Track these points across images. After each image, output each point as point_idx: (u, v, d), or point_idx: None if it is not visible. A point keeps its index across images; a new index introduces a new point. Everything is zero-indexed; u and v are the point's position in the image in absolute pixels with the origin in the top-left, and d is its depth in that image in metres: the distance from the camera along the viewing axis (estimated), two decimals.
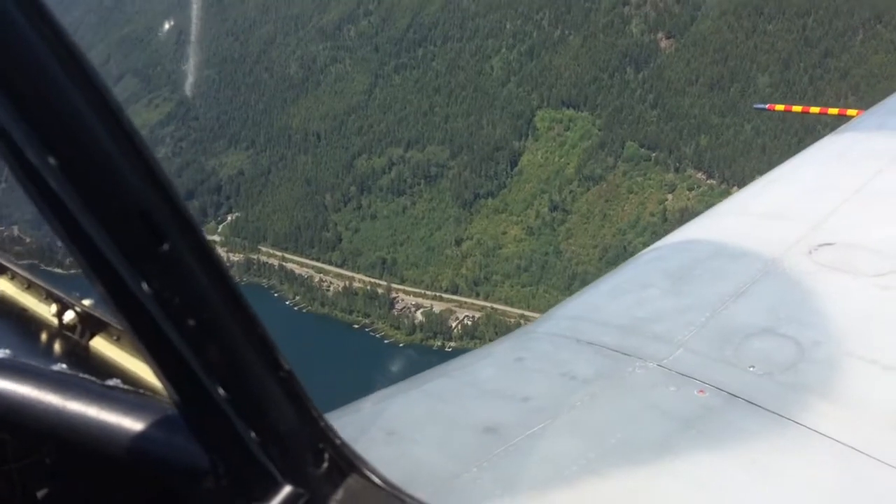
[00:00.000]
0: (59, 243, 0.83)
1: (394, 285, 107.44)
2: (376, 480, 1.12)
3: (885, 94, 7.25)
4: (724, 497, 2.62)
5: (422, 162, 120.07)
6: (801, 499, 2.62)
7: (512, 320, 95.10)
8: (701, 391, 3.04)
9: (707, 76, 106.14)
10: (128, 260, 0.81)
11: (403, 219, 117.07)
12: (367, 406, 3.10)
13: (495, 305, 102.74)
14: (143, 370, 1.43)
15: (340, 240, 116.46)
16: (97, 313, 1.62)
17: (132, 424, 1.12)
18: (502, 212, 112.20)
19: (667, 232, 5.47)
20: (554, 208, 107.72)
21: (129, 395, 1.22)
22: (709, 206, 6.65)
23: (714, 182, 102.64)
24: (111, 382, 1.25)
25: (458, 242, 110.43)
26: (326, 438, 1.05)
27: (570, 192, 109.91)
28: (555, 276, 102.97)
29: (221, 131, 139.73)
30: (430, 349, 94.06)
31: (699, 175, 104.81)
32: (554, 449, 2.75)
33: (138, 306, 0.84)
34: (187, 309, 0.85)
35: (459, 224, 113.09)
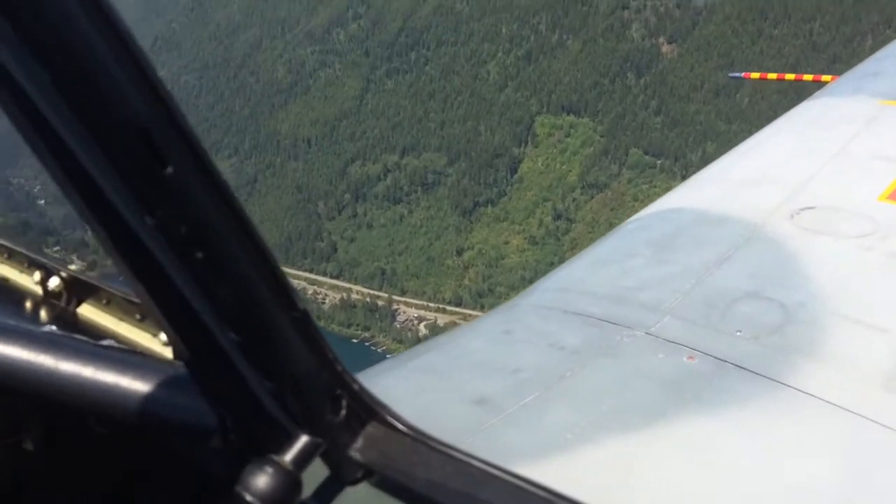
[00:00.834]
0: (50, 177, 0.76)
1: (394, 297, 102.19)
2: (399, 426, 1.06)
3: None
4: (717, 460, 2.65)
5: (418, 169, 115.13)
6: (793, 459, 2.66)
7: None
8: (690, 357, 3.03)
9: (712, 82, 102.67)
10: (128, 186, 0.74)
11: (401, 227, 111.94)
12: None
13: None
14: (136, 334, 1.34)
15: (335, 250, 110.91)
16: (84, 277, 1.52)
17: (130, 384, 1.05)
18: (503, 220, 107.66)
19: None
20: (557, 217, 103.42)
21: (125, 354, 1.15)
22: None
23: None
24: (105, 342, 1.18)
25: (459, 252, 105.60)
26: (344, 384, 0.98)
27: (574, 200, 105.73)
28: None
29: (202, 138, 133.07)
30: None
31: None
32: (547, 418, 2.75)
33: (139, 242, 0.77)
34: (194, 240, 0.77)
35: (460, 233, 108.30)
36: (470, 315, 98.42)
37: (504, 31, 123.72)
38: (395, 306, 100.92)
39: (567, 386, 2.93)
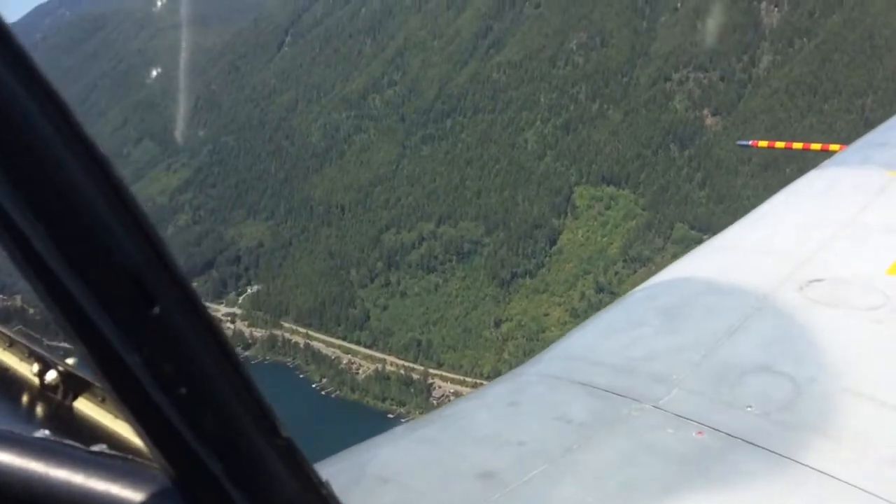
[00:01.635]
0: (43, 306, 0.79)
1: (430, 370, 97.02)
2: None
3: None
4: None
5: (454, 238, 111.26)
6: None
7: None
8: (699, 433, 2.98)
9: (760, 155, 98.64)
10: (117, 325, 0.76)
11: (436, 297, 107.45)
12: (360, 454, 3.03)
13: None
14: (129, 432, 1.34)
15: (368, 317, 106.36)
16: (81, 373, 1.53)
17: (120, 493, 1.04)
18: (543, 292, 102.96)
19: None
20: (600, 290, 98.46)
21: (116, 461, 1.14)
22: None
23: None
24: (97, 448, 1.17)
25: (498, 324, 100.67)
26: None
27: (616, 273, 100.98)
28: None
29: (240, 200, 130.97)
30: None
31: None
32: (552, 494, 2.71)
33: (127, 373, 0.79)
34: (179, 376, 0.79)
35: (497, 304, 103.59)
36: None
37: (542, 99, 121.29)
38: (430, 380, 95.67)
39: (573, 460, 2.85)
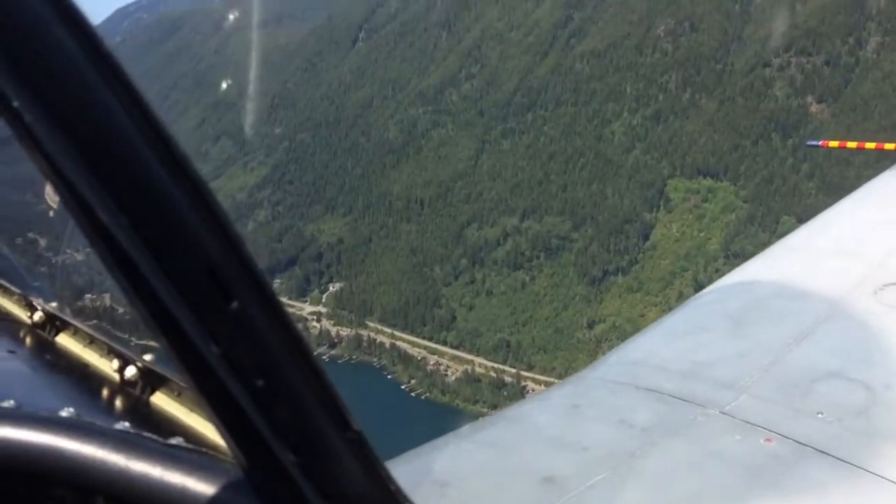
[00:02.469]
0: (127, 301, 0.81)
1: (522, 372, 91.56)
2: None
3: None
4: None
5: (540, 233, 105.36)
6: None
7: None
8: (768, 440, 2.86)
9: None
10: (196, 318, 0.78)
11: (523, 295, 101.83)
12: (420, 457, 2.95)
13: None
14: (204, 427, 1.37)
15: (454, 318, 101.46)
16: (158, 368, 1.55)
17: (195, 486, 1.06)
18: (636, 291, 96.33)
19: None
20: (700, 288, 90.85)
21: (192, 454, 1.17)
22: None
23: None
24: (174, 441, 1.20)
25: (591, 325, 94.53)
26: (396, 503, 0.96)
27: (717, 270, 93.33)
28: None
29: (318, 196, 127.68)
30: None
31: None
32: (616, 500, 2.62)
33: (205, 366, 0.81)
34: (256, 369, 0.81)
35: (589, 303, 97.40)
36: None
37: (629, 90, 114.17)
38: (523, 382, 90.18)
39: (637, 466, 2.74)
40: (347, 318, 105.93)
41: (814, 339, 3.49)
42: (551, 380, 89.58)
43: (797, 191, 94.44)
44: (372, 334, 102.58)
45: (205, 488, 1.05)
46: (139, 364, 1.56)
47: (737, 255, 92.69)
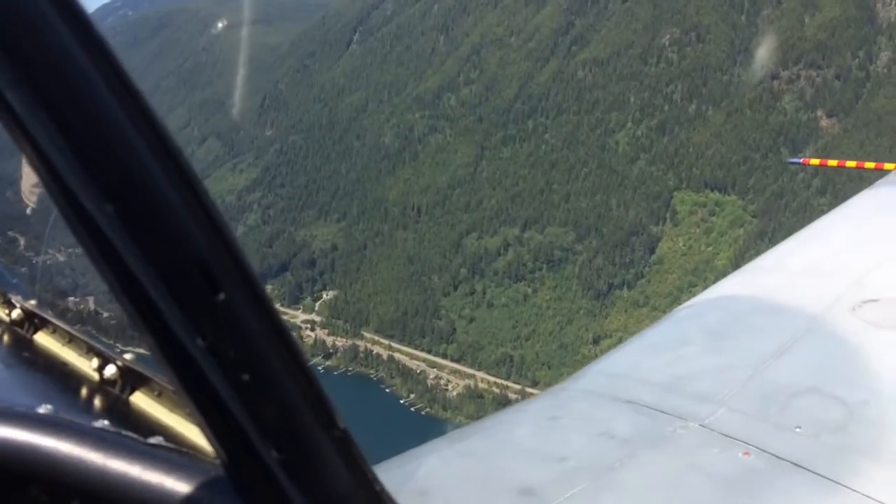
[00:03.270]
0: (108, 291, 0.78)
1: (527, 388, 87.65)
2: None
3: None
4: None
5: (543, 244, 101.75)
6: None
7: None
8: (746, 453, 2.86)
9: (890, 159, 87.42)
10: (182, 311, 0.75)
11: (525, 308, 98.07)
12: (399, 465, 2.93)
13: None
14: (185, 427, 1.33)
15: (454, 330, 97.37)
16: (139, 368, 1.51)
17: (175, 485, 1.03)
18: (643, 305, 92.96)
19: None
20: None
21: (173, 453, 1.14)
22: None
23: None
24: (154, 440, 1.17)
25: (596, 340, 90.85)
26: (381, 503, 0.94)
27: None
28: None
29: (310, 200, 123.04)
30: None
31: None
32: None
33: (189, 361, 0.78)
34: (242, 363, 0.78)
35: (594, 318, 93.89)
36: None
37: (633, 99, 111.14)
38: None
39: (616, 478, 2.72)
40: (342, 327, 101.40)
41: (792, 354, 3.47)
42: None
43: (808, 206, 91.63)
44: (368, 345, 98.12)
45: (185, 488, 1.03)
46: (119, 363, 1.52)
47: None
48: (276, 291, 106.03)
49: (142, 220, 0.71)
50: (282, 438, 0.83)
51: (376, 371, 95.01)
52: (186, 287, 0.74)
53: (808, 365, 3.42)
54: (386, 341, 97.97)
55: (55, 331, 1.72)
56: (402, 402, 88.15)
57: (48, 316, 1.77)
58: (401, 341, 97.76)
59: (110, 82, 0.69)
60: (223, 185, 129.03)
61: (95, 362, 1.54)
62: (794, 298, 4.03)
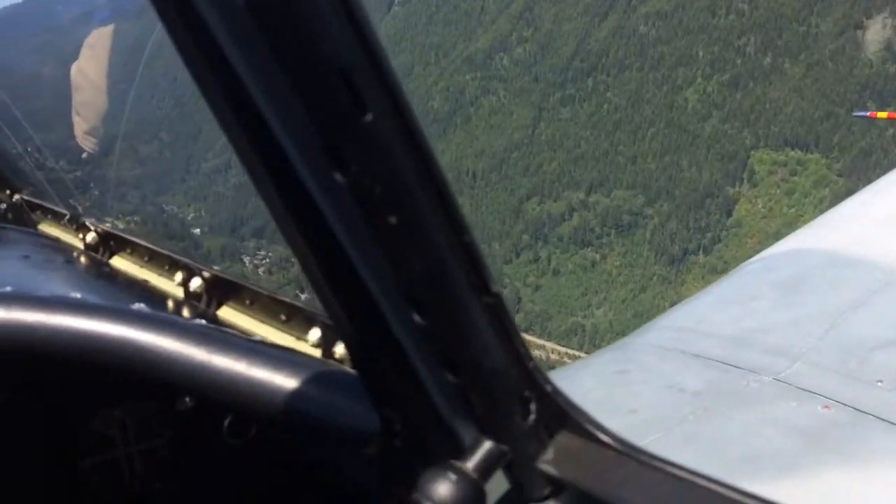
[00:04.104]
0: (224, 132, 0.64)
1: None
2: (600, 436, 0.87)
3: None
4: None
5: (610, 209, 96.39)
6: None
7: None
8: (825, 406, 2.79)
9: None
10: (321, 134, 0.60)
11: (594, 275, 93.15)
12: None
13: None
14: (280, 337, 1.25)
15: (519, 299, 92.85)
16: (227, 276, 1.42)
17: (284, 381, 0.96)
18: (721, 271, 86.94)
19: None
20: None
21: (279, 350, 1.07)
22: None
23: None
24: (258, 339, 1.10)
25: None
26: (535, 384, 0.81)
27: None
28: None
29: None
30: None
31: None
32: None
33: (316, 210, 0.65)
34: (390, 202, 0.63)
35: (669, 285, 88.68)
36: None
37: (701, 54, 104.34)
38: None
39: (689, 430, 2.67)
40: None
41: (870, 307, 3.34)
42: None
43: None
44: None
45: (294, 384, 0.95)
46: (206, 274, 1.43)
47: None
48: None
49: (274, 13, 0.57)
50: (425, 299, 0.70)
51: None
52: (328, 103, 0.60)
53: (887, 318, 3.27)
54: None
55: (134, 251, 1.61)
56: None
57: (125, 235, 1.66)
58: None
59: None
60: None
61: (179, 276, 1.45)
62: (871, 250, 3.87)
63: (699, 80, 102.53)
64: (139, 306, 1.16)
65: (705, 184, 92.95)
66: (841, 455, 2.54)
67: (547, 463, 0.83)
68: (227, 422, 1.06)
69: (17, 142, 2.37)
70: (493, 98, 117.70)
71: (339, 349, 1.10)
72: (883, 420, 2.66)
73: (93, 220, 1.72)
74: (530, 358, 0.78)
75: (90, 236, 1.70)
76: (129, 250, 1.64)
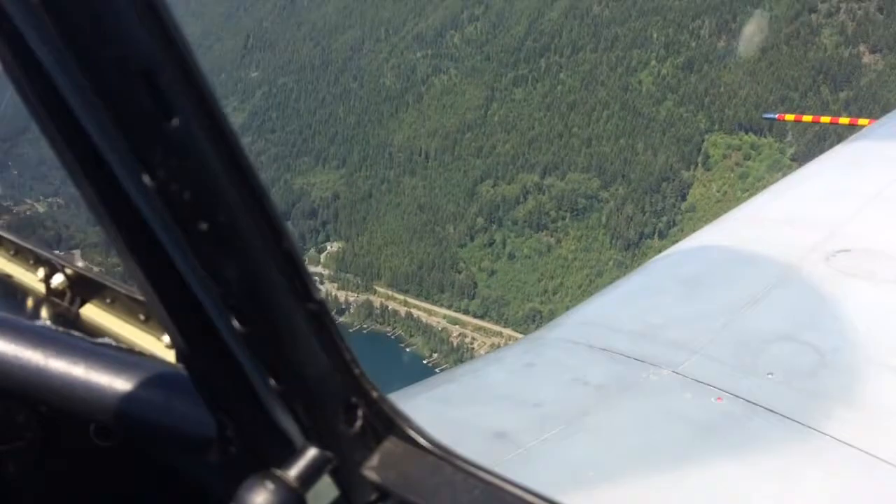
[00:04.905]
0: (39, 129, 0.61)
1: None
2: (422, 442, 0.87)
3: None
4: None
5: (565, 192, 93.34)
6: None
7: None
8: (719, 398, 2.87)
9: None
10: (125, 137, 0.58)
11: (550, 260, 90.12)
12: None
13: None
14: (139, 336, 1.22)
15: (475, 284, 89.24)
16: (89, 275, 1.37)
17: (123, 385, 0.92)
18: None
19: None
20: None
21: (121, 353, 1.03)
22: None
23: None
24: (102, 340, 1.07)
25: None
26: (361, 391, 0.80)
27: None
28: None
29: (305, 147, 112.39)
30: None
31: None
32: (568, 455, 2.62)
33: (131, 210, 0.63)
34: (199, 207, 0.61)
35: (625, 269, 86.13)
36: None
37: (655, 36, 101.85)
38: None
39: (590, 422, 2.75)
40: (353, 281, 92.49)
41: (766, 302, 3.45)
42: None
43: None
44: (382, 300, 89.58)
45: (134, 387, 0.91)
46: (68, 271, 1.38)
47: None
48: None
49: (71, 11, 0.54)
50: (244, 306, 0.67)
51: (393, 329, 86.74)
52: (131, 106, 0.57)
53: (781, 313, 3.38)
54: (401, 296, 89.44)
55: (0, 244, 1.56)
56: (425, 362, 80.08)
57: None
58: (417, 296, 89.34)
59: None
60: None
61: (42, 272, 1.40)
62: (769, 248, 3.97)
63: (653, 62, 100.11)
64: None
65: (660, 167, 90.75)
66: (730, 445, 2.59)
67: (372, 469, 0.83)
68: (92, 424, 1.01)
69: None
70: (445, 77, 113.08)
71: None
72: (772, 411, 2.71)
73: None
74: (357, 364, 0.78)
75: None
76: None
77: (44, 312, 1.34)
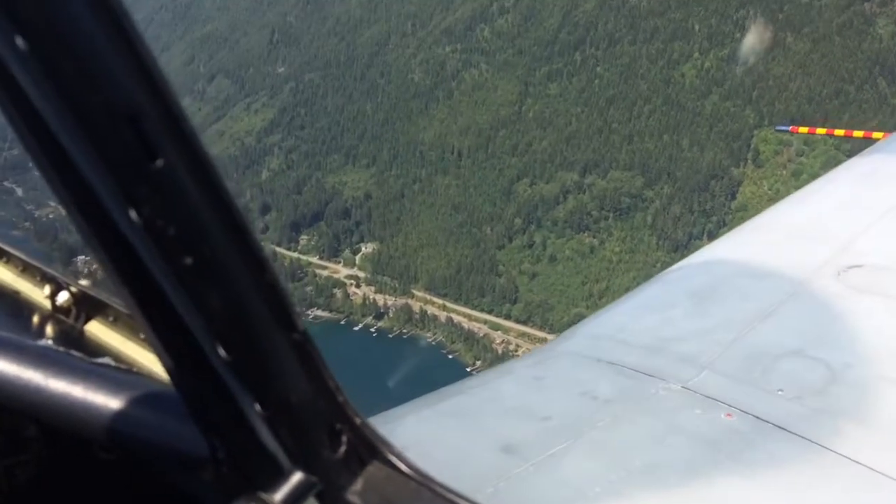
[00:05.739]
0: (32, 164, 0.64)
1: None
2: (402, 467, 0.89)
3: None
4: None
5: (607, 191, 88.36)
6: None
7: None
8: (728, 414, 2.82)
9: None
10: (112, 177, 0.61)
11: (594, 262, 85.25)
12: (381, 423, 2.72)
13: None
14: (140, 354, 1.25)
15: (517, 288, 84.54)
16: (93, 293, 1.40)
17: (120, 404, 0.94)
18: None
19: None
20: None
21: (120, 373, 1.05)
22: None
23: None
24: (101, 360, 1.09)
25: None
26: (345, 417, 0.83)
27: None
28: None
29: (335, 144, 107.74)
30: None
31: None
32: (575, 470, 2.59)
33: (122, 241, 0.65)
34: (184, 243, 0.64)
35: None
36: None
37: (697, 27, 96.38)
38: None
39: (598, 437, 2.71)
40: (390, 284, 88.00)
41: (776, 317, 3.42)
42: None
43: None
44: (421, 304, 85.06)
45: (131, 406, 0.92)
46: (73, 289, 1.40)
47: None
48: (314, 242, 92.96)
49: (60, 59, 0.56)
50: (230, 336, 0.70)
51: (434, 334, 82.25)
52: (117, 149, 0.60)
53: (791, 328, 3.36)
54: (439, 300, 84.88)
55: (9, 260, 1.58)
56: (469, 370, 75.49)
57: (1, 245, 1.62)
58: (456, 300, 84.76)
59: None
60: (240, 125, 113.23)
61: (48, 289, 1.43)
62: (781, 263, 3.96)
63: (696, 55, 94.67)
64: None
65: (708, 164, 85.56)
66: (739, 462, 2.54)
67: (355, 494, 0.84)
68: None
69: None
70: (476, 72, 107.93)
71: None
72: (782, 428, 2.67)
73: None
74: (340, 391, 0.79)
75: None
76: (4, 260, 1.58)
77: (49, 329, 1.37)
